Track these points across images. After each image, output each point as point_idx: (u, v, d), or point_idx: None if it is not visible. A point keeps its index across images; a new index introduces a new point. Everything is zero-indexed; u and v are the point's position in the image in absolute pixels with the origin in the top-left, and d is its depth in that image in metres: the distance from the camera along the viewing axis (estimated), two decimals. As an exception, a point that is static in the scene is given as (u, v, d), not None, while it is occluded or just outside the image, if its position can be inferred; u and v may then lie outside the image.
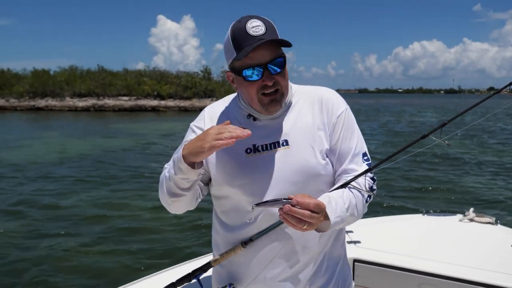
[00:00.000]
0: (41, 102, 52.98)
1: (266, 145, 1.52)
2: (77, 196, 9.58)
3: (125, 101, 54.45)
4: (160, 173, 1.54)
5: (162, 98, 56.34)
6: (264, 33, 1.40)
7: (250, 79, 1.43)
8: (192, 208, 1.59)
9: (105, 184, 10.81)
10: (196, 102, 55.68)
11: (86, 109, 51.83)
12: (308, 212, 1.27)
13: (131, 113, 47.68)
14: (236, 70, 1.46)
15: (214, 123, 1.56)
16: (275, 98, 1.46)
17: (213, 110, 1.63)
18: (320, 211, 1.31)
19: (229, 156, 1.52)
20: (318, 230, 1.40)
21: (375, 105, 75.12)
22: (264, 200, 1.37)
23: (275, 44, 1.43)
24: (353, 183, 1.47)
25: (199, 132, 1.55)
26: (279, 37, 1.44)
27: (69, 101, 53.62)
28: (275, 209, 1.35)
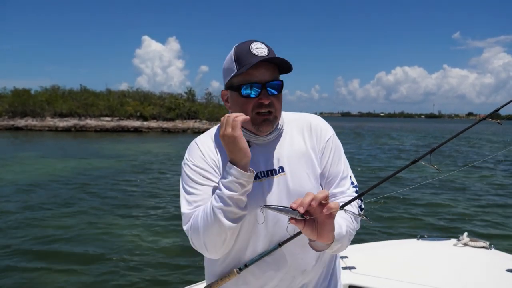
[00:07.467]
0: (21, 122, 52.04)
1: (263, 172, 1.51)
2: (51, 219, 9.21)
3: (107, 122, 53.98)
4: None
5: (145, 119, 56.09)
6: (267, 54, 1.45)
7: (247, 94, 1.45)
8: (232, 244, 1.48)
9: (80, 211, 10.45)
10: (179, 124, 55.64)
11: (67, 129, 51.11)
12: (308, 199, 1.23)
13: (112, 134, 47.13)
14: (234, 86, 1.48)
15: (209, 152, 1.56)
16: (268, 118, 1.47)
17: (203, 141, 1.60)
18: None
19: None
20: (315, 249, 1.40)
21: (357, 129, 76.02)
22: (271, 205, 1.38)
23: (275, 68, 1.48)
24: (347, 207, 1.44)
25: (200, 164, 1.53)
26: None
27: (50, 121, 52.83)
28: (270, 235, 1.48)
